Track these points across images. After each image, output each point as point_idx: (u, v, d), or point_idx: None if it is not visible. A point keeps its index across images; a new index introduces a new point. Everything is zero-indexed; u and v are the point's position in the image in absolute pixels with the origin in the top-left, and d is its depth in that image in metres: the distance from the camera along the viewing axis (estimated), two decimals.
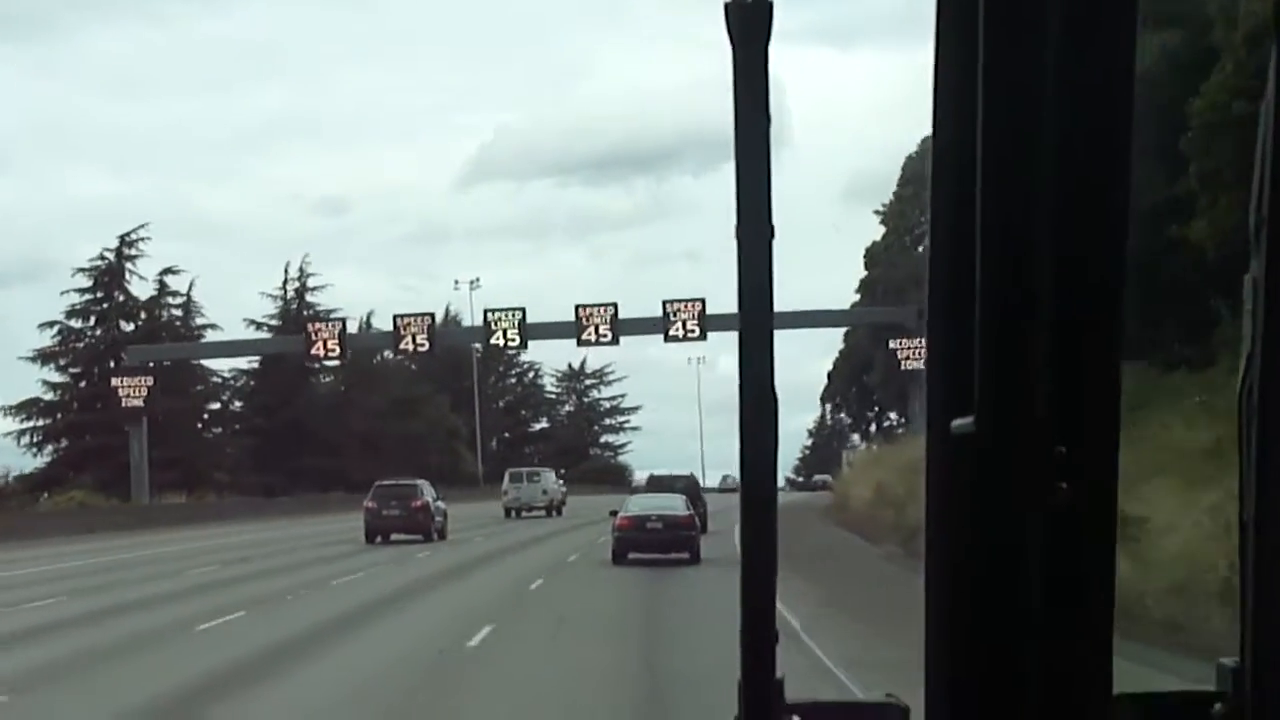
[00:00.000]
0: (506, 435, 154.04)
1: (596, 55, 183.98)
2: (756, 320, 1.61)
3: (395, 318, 66.63)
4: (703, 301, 66.05)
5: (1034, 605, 1.54)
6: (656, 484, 52.69)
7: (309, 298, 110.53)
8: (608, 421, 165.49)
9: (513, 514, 72.60)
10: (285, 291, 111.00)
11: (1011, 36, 1.53)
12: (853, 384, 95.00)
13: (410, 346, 66.26)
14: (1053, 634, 1.55)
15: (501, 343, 66.97)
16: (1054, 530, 1.53)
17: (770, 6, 1.80)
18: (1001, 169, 1.52)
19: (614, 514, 40.10)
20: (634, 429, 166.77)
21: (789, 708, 1.62)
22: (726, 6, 1.82)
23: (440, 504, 55.47)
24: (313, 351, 66.14)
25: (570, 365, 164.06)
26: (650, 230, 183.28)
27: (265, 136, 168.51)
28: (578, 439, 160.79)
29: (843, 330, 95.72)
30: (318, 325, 68.47)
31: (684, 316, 65.88)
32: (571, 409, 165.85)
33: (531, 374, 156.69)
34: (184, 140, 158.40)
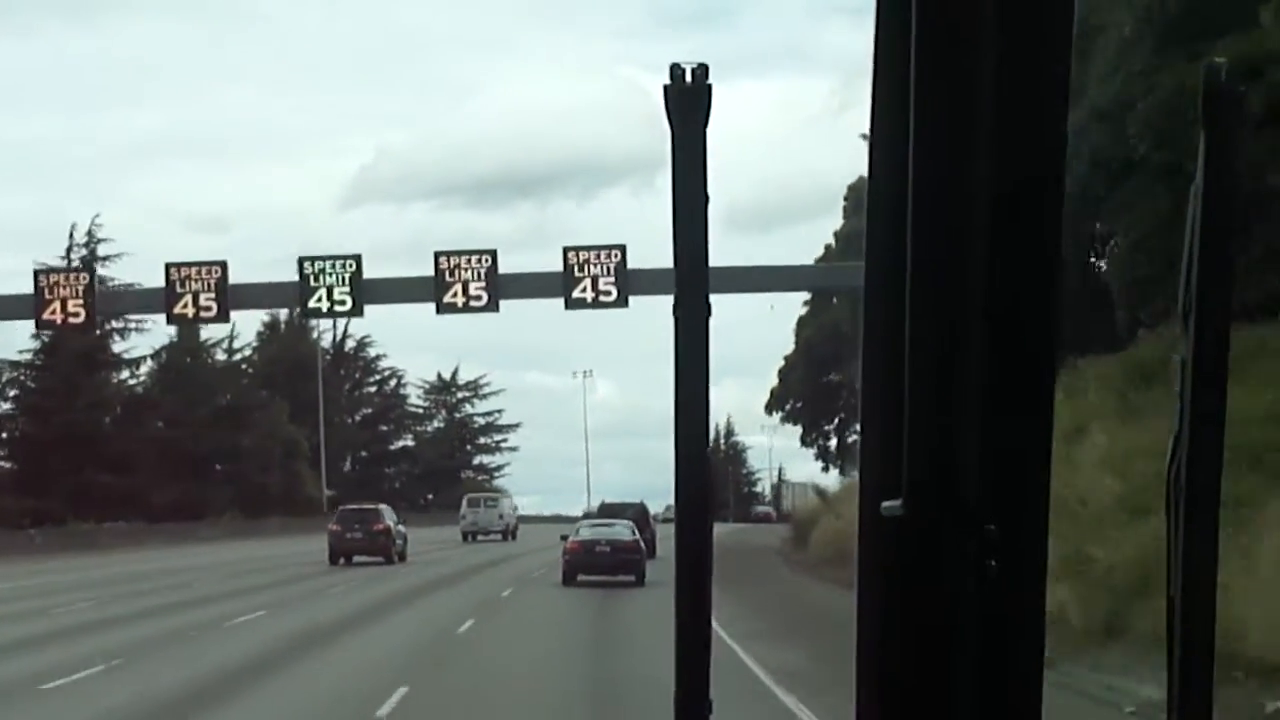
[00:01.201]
0: (364, 454, 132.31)
1: (481, 78, 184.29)
2: (692, 388, 1.71)
3: (168, 267, 45.08)
4: (621, 250, 45.54)
5: (965, 684, 1.56)
6: (607, 511, 53.08)
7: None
8: (482, 440, 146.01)
9: (469, 538, 74.02)
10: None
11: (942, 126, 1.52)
12: (811, 384, 74.76)
13: (190, 311, 44.75)
14: (983, 713, 1.57)
15: (325, 306, 45.62)
16: (984, 609, 1.54)
17: (709, 89, 1.93)
18: (931, 252, 1.51)
19: (565, 538, 43.41)
20: (512, 449, 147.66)
21: None
22: (666, 89, 1.95)
23: (401, 528, 57.80)
24: (46, 315, 44.39)
25: (439, 375, 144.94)
26: (531, 256, 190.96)
27: (142, 154, 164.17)
28: (447, 459, 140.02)
29: (794, 318, 76.03)
30: (55, 277, 46.70)
31: (594, 271, 45.35)
32: (441, 425, 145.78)
33: (394, 382, 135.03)
34: (59, 156, 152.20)
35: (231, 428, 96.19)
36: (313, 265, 45.07)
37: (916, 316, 1.53)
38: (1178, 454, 1.75)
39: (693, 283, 1.79)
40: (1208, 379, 1.75)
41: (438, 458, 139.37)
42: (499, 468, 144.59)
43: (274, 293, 47.22)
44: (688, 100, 1.93)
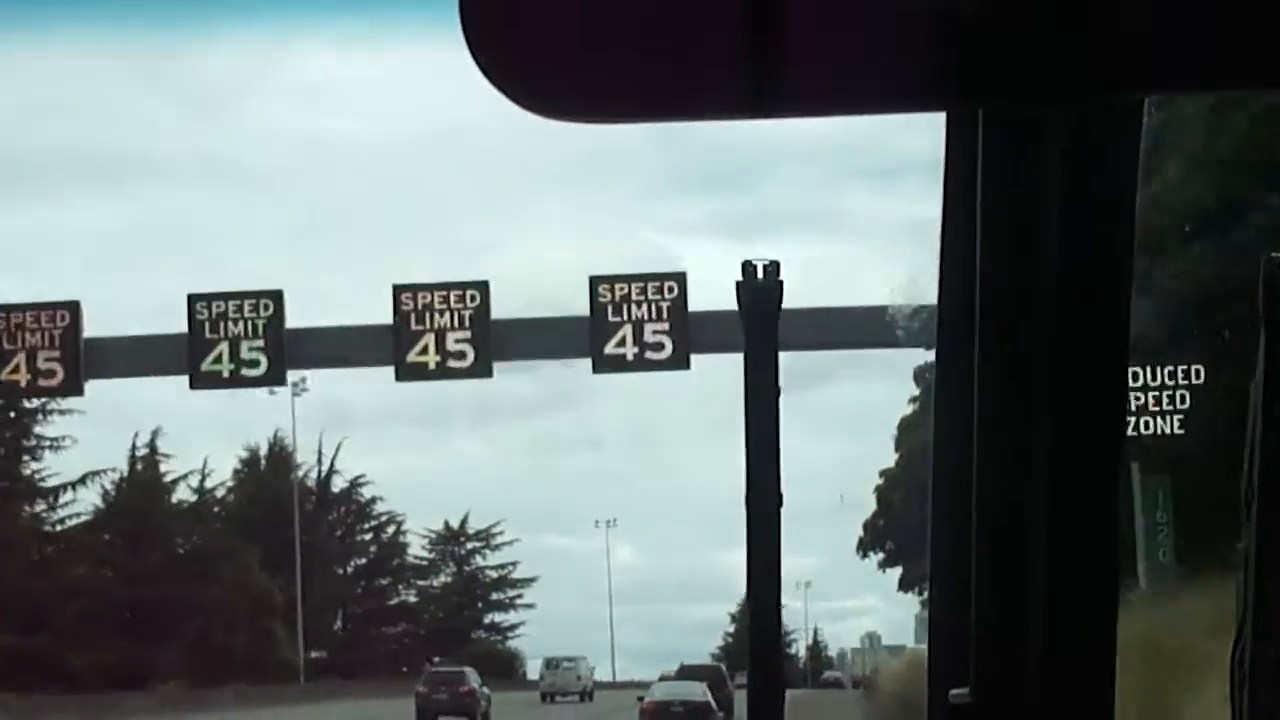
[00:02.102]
0: (357, 610, 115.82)
1: (501, 239, 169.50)
2: (764, 586, 1.86)
3: None
4: (679, 281, 30.14)
5: None
6: (685, 672, 53.97)
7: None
8: (495, 596, 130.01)
9: (548, 699, 75.54)
10: None
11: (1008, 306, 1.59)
12: (918, 509, 58.88)
13: (23, 376, 29.22)
14: None
15: (227, 369, 30.02)
16: None
17: (780, 285, 2.10)
18: (998, 469, 1.58)
19: (641, 699, 45.81)
20: (528, 606, 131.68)
21: None
22: (738, 284, 2.11)
23: (485, 690, 61.09)
24: None
25: (446, 524, 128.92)
26: (553, 418, 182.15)
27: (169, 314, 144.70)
28: (456, 617, 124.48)
29: (895, 427, 60.67)
30: None
31: (638, 313, 29.88)
32: (449, 579, 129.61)
33: (392, 529, 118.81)
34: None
35: (192, 578, 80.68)
36: (208, 308, 29.50)
37: (982, 515, 1.58)
38: (1242, 638, 1.75)
39: (763, 472, 1.87)
40: (1272, 569, 1.74)
41: (445, 615, 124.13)
42: (513, 627, 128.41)
43: (150, 351, 31.25)
44: (760, 295, 2.10)
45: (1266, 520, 1.72)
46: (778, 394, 1.97)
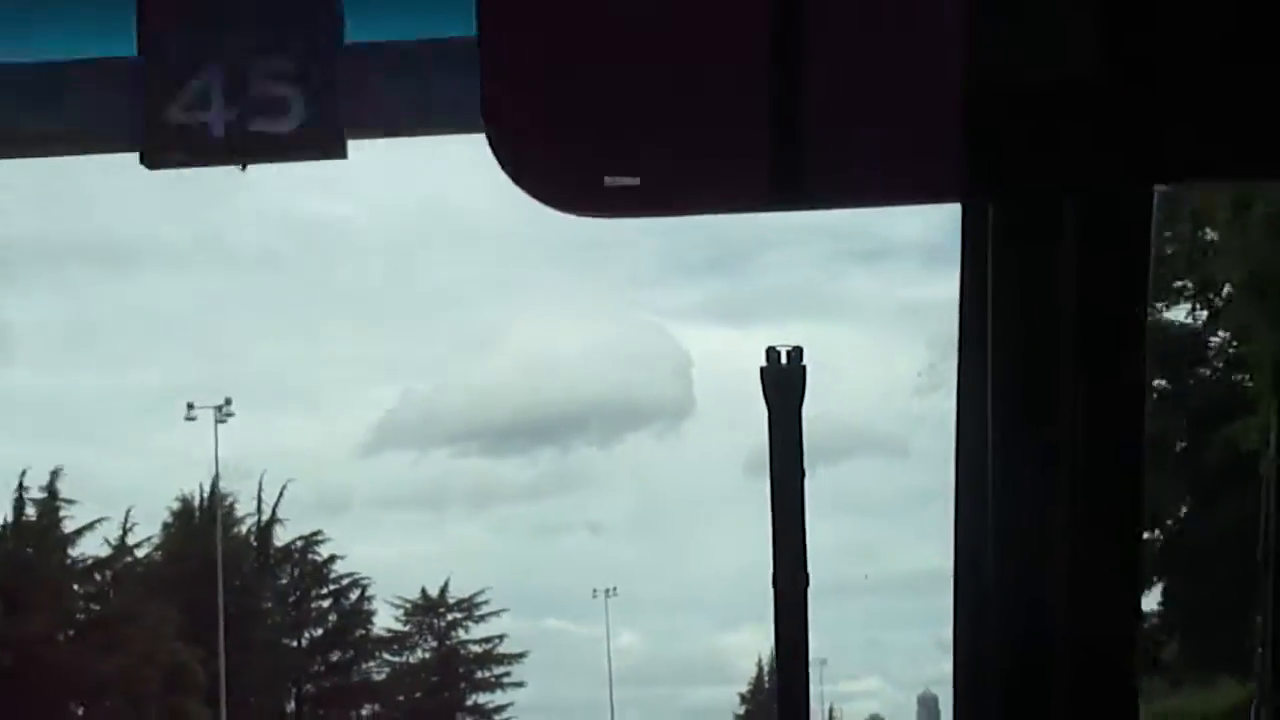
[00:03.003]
0: (309, 688, 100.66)
1: (496, 326, 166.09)
2: (793, 666, 1.93)
3: None
4: None
5: None
6: None
7: None
8: (479, 674, 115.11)
9: None
10: None
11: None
12: None
13: None
14: None
15: None
16: None
17: (804, 370, 2.15)
18: (1011, 510, 1.62)
19: None
20: (516, 685, 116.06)
21: None
22: (762, 370, 2.15)
23: None
24: None
25: (424, 591, 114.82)
26: (552, 502, 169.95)
27: (168, 401, 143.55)
28: (435, 698, 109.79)
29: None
30: None
31: None
32: (426, 654, 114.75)
33: (356, 595, 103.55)
34: (74, 409, 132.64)
35: (96, 647, 66.08)
36: None
37: (1001, 568, 1.61)
38: (1261, 706, 1.86)
39: (791, 553, 1.90)
40: None
41: (422, 696, 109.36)
42: (499, 709, 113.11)
43: None
44: (783, 380, 2.14)
45: None
46: (803, 477, 1.94)
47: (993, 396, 1.62)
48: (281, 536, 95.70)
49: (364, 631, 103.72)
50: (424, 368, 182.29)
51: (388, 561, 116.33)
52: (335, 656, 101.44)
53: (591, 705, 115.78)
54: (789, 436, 2.02)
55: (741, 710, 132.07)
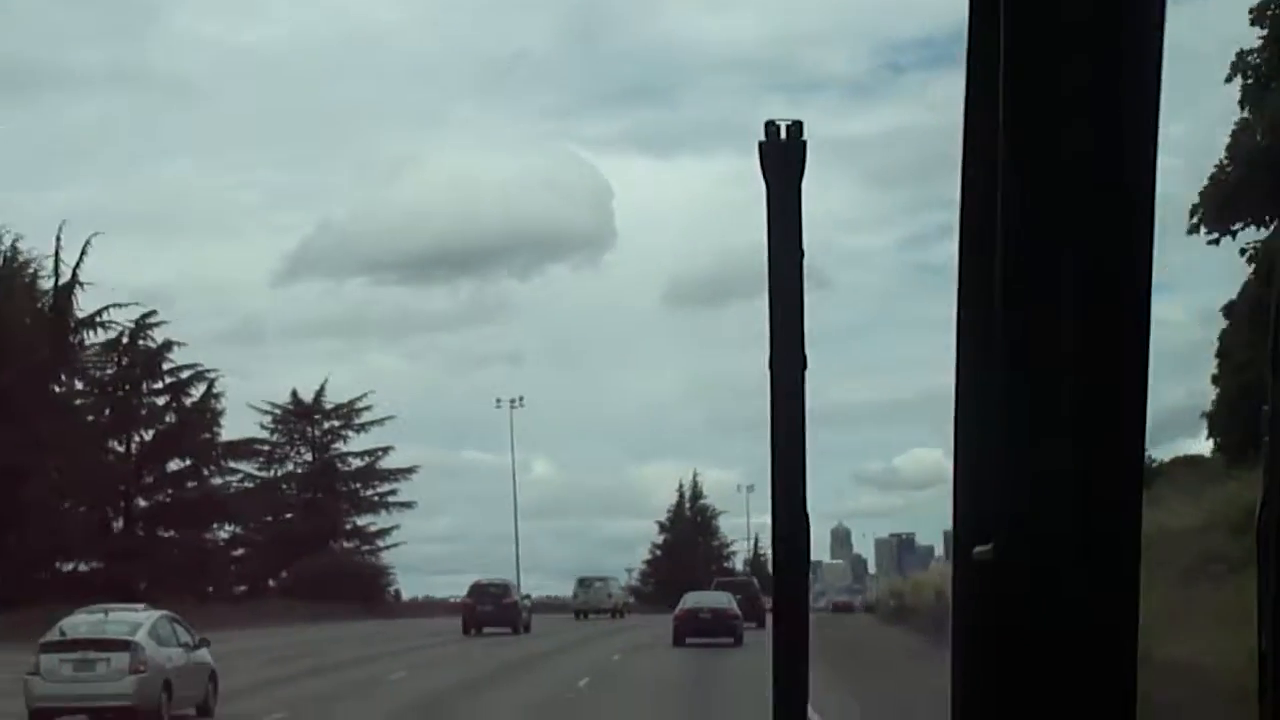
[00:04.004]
0: (141, 502, 79.72)
1: (417, 153, 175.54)
2: (789, 449, 1.77)
3: None
4: None
5: None
6: (719, 584, 62.04)
7: None
8: (362, 491, 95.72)
9: (581, 616, 77.03)
10: None
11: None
12: None
13: None
14: None
15: None
16: (1077, 655, 1.58)
17: (804, 145, 2.04)
18: (1025, 297, 1.58)
19: (674, 608, 51.58)
20: (404, 505, 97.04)
21: None
22: (761, 145, 2.04)
23: (526, 602, 65.55)
24: None
25: (295, 394, 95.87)
26: (470, 332, 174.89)
27: (80, 229, 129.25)
28: (311, 519, 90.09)
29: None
30: None
31: None
32: (300, 468, 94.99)
33: (201, 390, 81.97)
34: None
35: None
36: None
37: (1008, 363, 1.57)
38: (1269, 505, 1.72)
39: (788, 336, 1.81)
40: None
41: (295, 517, 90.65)
42: (384, 532, 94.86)
43: None
44: (782, 156, 2.02)
45: None
46: (801, 257, 1.89)
47: (1001, 188, 1.55)
48: (87, 305, 74.16)
49: (209, 435, 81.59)
50: (341, 195, 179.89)
51: (306, 387, 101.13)
52: (174, 465, 79.93)
53: (505, 537, 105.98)
54: (788, 216, 1.92)
55: (660, 539, 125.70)
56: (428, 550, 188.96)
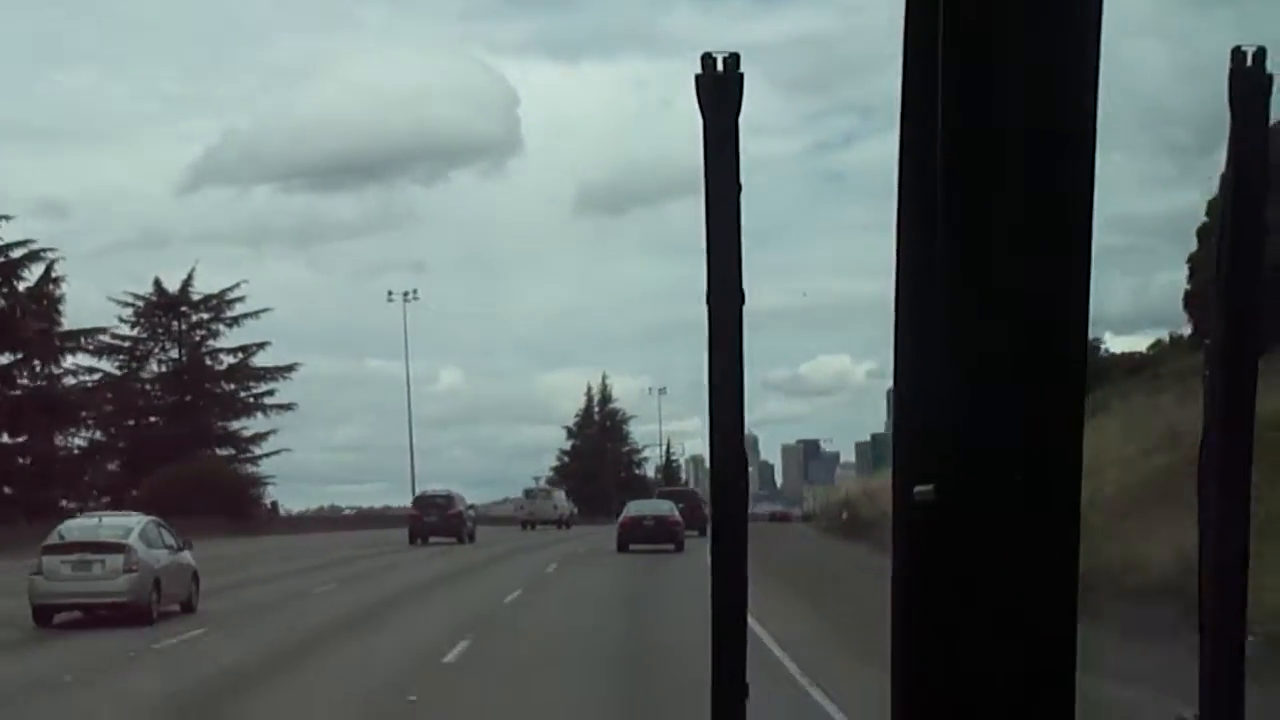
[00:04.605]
0: None
1: (323, 58, 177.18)
2: (726, 383, 1.77)
3: None
4: None
5: (998, 664, 1.60)
6: (665, 494, 64.17)
7: None
8: (238, 393, 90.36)
9: (527, 527, 77.98)
10: None
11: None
12: None
13: None
14: (1016, 693, 1.60)
15: None
16: (1018, 595, 1.59)
17: (741, 78, 2.02)
18: (963, 235, 1.57)
19: (618, 516, 53.77)
20: (285, 408, 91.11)
21: None
22: (697, 78, 2.02)
23: (471, 513, 65.88)
24: None
25: (158, 283, 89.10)
26: (375, 240, 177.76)
27: None
28: (177, 421, 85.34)
29: None
30: None
31: None
32: (165, 367, 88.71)
33: (38, 271, 74.80)
34: None
35: None
36: None
37: (949, 302, 1.56)
38: (1208, 440, 1.78)
39: (725, 272, 1.81)
40: (1237, 364, 1.78)
41: (162, 419, 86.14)
42: (262, 438, 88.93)
43: None
44: (719, 89, 1.99)
45: (1231, 315, 1.77)
46: (738, 192, 1.86)
47: (940, 142, 1.54)
48: None
49: (46, 326, 74.10)
50: (245, 103, 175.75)
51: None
52: (4, 359, 73.41)
53: (405, 449, 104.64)
54: (726, 150, 1.89)
55: (568, 445, 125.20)
56: (338, 460, 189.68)
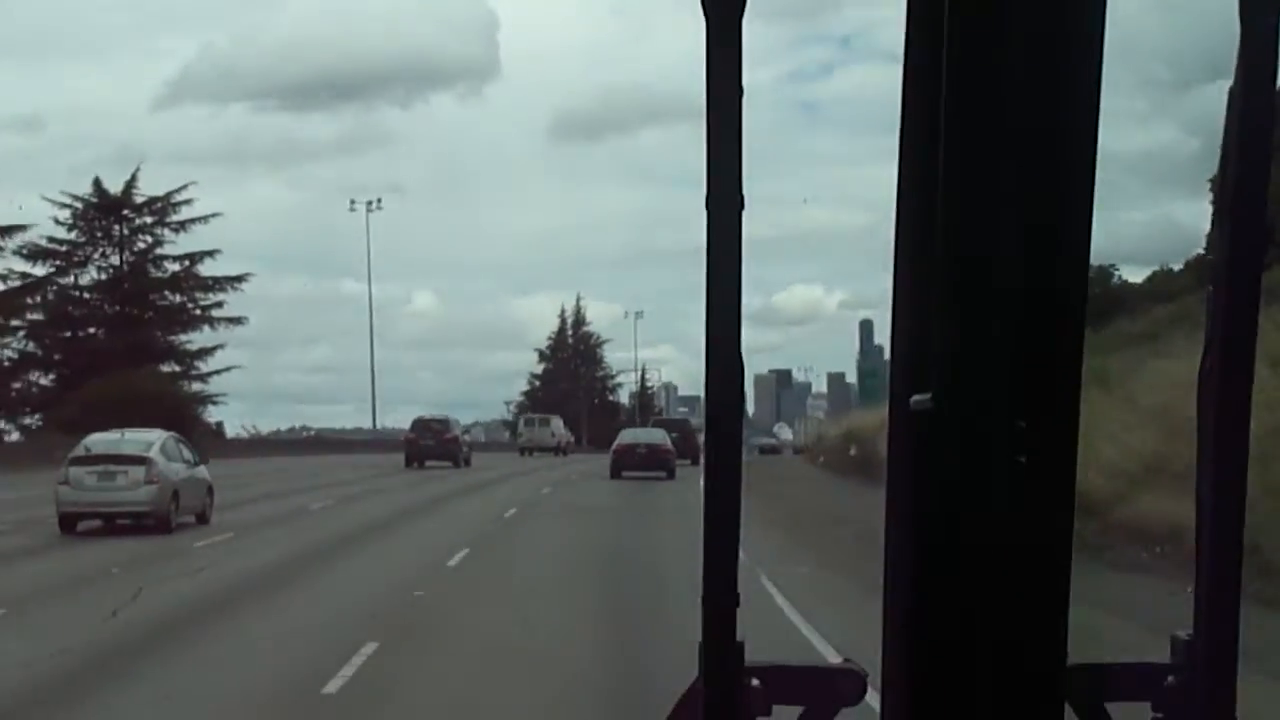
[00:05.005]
0: None
1: None
2: (725, 288, 1.73)
3: None
4: None
5: (992, 576, 1.59)
6: (658, 424, 65.98)
7: None
8: (184, 303, 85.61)
9: (525, 453, 79.38)
10: None
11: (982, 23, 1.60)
12: None
13: None
14: (1009, 605, 1.60)
15: None
16: (1012, 504, 1.58)
17: None
18: (966, 147, 1.57)
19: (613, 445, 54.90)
20: (234, 321, 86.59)
21: (749, 670, 1.70)
22: None
23: (467, 437, 69.70)
24: None
25: (98, 183, 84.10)
26: (352, 161, 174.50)
27: None
28: (118, 333, 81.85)
29: None
30: None
31: None
32: (105, 274, 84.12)
33: None
34: None
35: None
36: None
37: (950, 213, 1.55)
38: (1210, 354, 1.75)
39: (726, 174, 1.72)
40: (1240, 291, 1.74)
41: (104, 331, 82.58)
42: (208, 354, 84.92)
43: None
44: None
45: (1237, 238, 1.71)
46: (740, 96, 1.71)
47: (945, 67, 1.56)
48: None
49: None
50: (223, 19, 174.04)
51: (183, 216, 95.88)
52: None
53: (386, 367, 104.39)
54: (729, 52, 1.76)
55: (539, 369, 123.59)
56: (310, 381, 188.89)
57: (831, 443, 64.89)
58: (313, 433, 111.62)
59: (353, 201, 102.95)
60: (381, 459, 67.21)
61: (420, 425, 65.20)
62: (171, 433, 31.15)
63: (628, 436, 55.84)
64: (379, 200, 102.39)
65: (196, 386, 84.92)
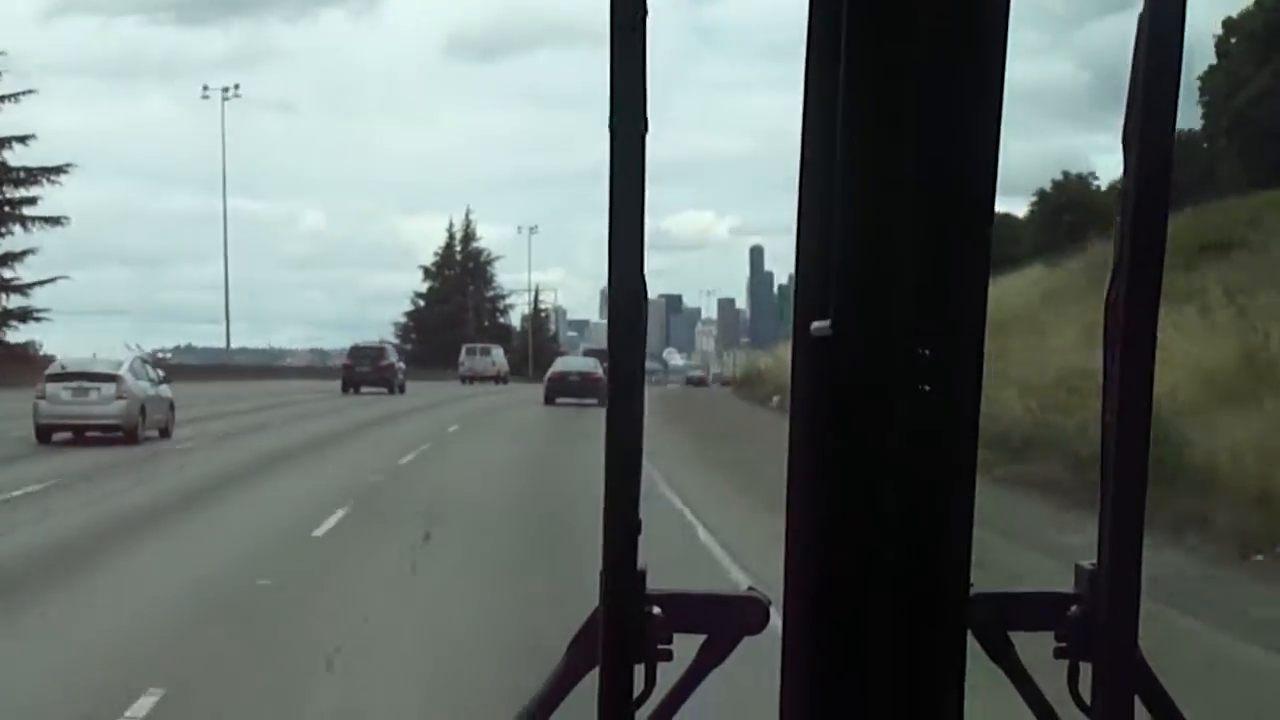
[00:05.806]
0: None
1: None
2: (628, 212, 1.66)
3: None
4: None
5: (894, 505, 1.60)
6: (590, 352, 71.29)
7: None
8: None
9: (467, 382, 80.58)
10: None
11: None
12: None
13: None
14: (912, 534, 1.60)
15: None
16: (915, 432, 1.58)
17: None
18: (871, 70, 1.56)
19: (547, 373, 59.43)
20: (52, 221, 72.27)
21: (650, 598, 1.70)
22: None
23: (401, 364, 69.54)
24: None
25: None
26: (242, 76, 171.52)
27: None
28: None
29: None
30: None
31: None
32: None
33: None
34: None
35: None
36: None
37: (852, 137, 1.56)
38: (1116, 282, 1.73)
39: (629, 97, 1.65)
40: (1146, 206, 1.71)
41: None
42: (16, 256, 70.58)
43: None
44: None
45: (1143, 157, 1.68)
46: (644, 16, 1.64)
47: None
48: None
49: None
50: None
51: (73, 130, 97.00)
52: None
53: (273, 285, 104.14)
54: None
55: (424, 287, 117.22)
56: (204, 298, 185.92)
57: (756, 374, 64.46)
58: (166, 354, 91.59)
59: (205, 87, 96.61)
60: (305, 385, 67.20)
61: (357, 352, 67.21)
62: (138, 354, 34.76)
63: (561, 365, 60.17)
64: (236, 87, 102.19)
65: (16, 301, 72.46)
